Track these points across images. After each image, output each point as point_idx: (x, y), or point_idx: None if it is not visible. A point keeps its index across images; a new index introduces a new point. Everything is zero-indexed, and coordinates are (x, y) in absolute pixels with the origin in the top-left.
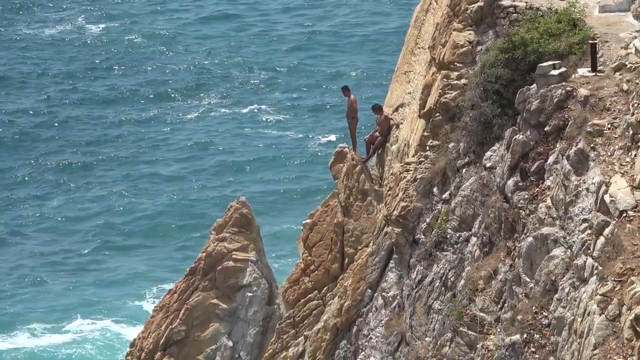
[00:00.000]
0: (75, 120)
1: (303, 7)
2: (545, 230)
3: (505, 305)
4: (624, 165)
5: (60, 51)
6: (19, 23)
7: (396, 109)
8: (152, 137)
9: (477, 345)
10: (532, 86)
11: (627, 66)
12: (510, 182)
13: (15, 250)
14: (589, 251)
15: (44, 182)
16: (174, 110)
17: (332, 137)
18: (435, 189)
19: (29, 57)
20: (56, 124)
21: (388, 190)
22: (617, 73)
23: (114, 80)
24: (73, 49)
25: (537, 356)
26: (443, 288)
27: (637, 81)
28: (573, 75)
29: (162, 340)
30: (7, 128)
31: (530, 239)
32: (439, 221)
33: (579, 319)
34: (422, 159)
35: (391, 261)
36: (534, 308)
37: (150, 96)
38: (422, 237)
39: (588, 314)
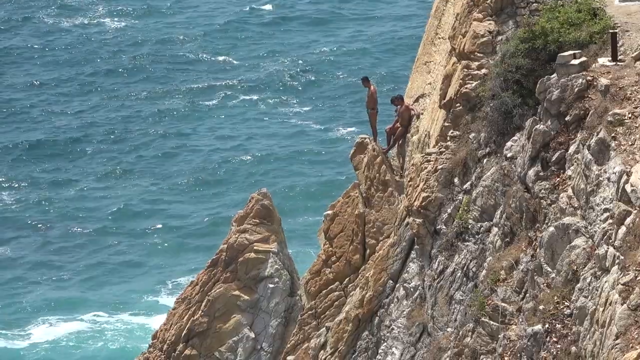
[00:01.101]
0: (93, 111)
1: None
2: (566, 220)
3: (527, 295)
4: None
5: (79, 46)
6: (39, 17)
7: (416, 100)
8: (171, 128)
9: (499, 336)
10: (552, 76)
11: None
12: (531, 172)
13: (30, 243)
14: (611, 240)
15: (59, 174)
16: (194, 102)
17: (353, 128)
18: (456, 180)
19: (50, 51)
20: (74, 118)
21: (409, 181)
22: (638, 62)
23: (133, 72)
24: (92, 44)
25: (559, 346)
26: (464, 278)
27: None
28: (593, 65)
29: (184, 332)
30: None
31: (551, 228)
32: (460, 211)
33: (601, 309)
34: (442, 149)
35: (412, 252)
36: (555, 298)
37: (170, 89)
38: (444, 227)
39: (610, 304)
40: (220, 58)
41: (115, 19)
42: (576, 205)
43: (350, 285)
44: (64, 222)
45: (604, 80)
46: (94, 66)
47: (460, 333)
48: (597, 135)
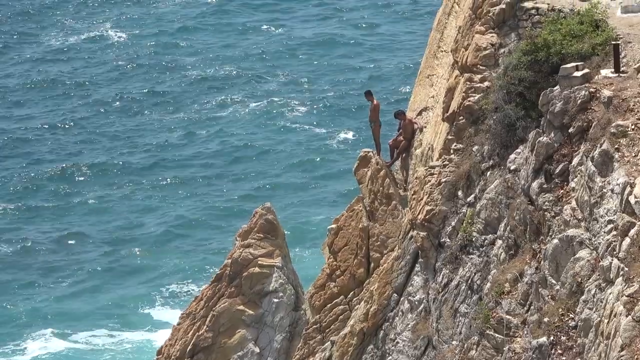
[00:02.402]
0: (99, 124)
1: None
2: (570, 232)
3: (532, 307)
4: None
5: (84, 57)
6: (44, 30)
7: (419, 113)
8: (174, 139)
9: (504, 348)
10: (555, 88)
11: None
12: (535, 185)
13: (25, 255)
14: (615, 252)
15: (67, 186)
16: (199, 111)
17: (350, 136)
18: (460, 192)
19: (57, 63)
20: (76, 128)
21: (413, 194)
22: None
23: (139, 83)
24: (96, 56)
25: (564, 358)
26: (469, 291)
27: None
28: (596, 77)
29: (189, 348)
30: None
31: (555, 241)
32: (464, 224)
33: (606, 321)
34: (446, 162)
35: (417, 265)
36: (560, 310)
37: (175, 98)
38: (448, 240)
39: (614, 315)
40: (221, 66)
41: (117, 32)
42: (580, 217)
43: (354, 299)
44: (59, 235)
45: (606, 92)
46: (96, 81)
47: (465, 346)
48: (600, 147)
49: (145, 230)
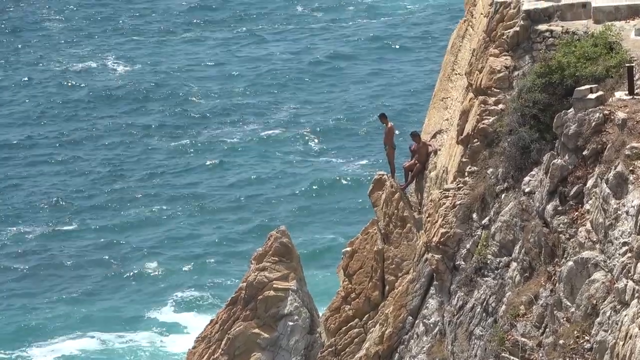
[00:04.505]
0: (111, 148)
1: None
2: (585, 254)
3: (547, 329)
4: None
5: (87, 85)
6: (44, 58)
7: (434, 136)
8: (185, 164)
9: None
10: (569, 110)
11: None
12: (550, 207)
13: (30, 260)
14: (630, 274)
15: (60, 193)
16: (207, 137)
17: (365, 159)
18: (474, 215)
19: (64, 90)
20: (88, 150)
21: (427, 217)
22: None
23: (148, 109)
24: (111, 82)
25: None
26: (484, 314)
27: None
28: (610, 99)
29: None
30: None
31: (570, 263)
32: (479, 247)
33: (621, 343)
34: (461, 185)
35: (432, 288)
36: (575, 332)
37: (182, 125)
38: (463, 263)
39: (630, 337)
40: (229, 93)
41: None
42: (595, 240)
43: (369, 322)
44: (64, 238)
45: (621, 114)
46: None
47: None
48: (614, 169)
49: (159, 243)
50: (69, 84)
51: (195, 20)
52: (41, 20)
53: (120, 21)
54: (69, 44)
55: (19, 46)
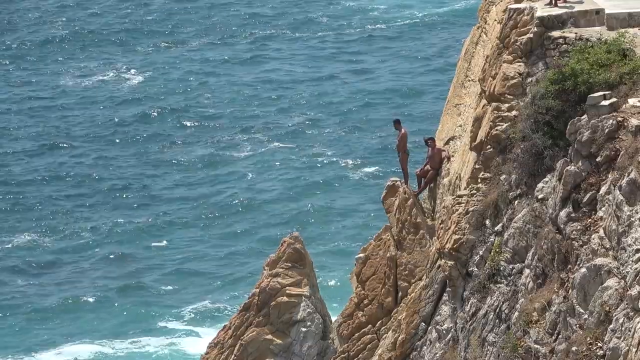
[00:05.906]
0: (123, 159)
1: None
2: (598, 261)
3: (560, 336)
4: None
5: (100, 98)
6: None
7: (447, 142)
8: (197, 175)
9: None
10: (582, 117)
11: None
12: (563, 214)
13: (37, 266)
14: None
15: (69, 202)
16: (220, 148)
17: (377, 165)
18: (487, 222)
19: (74, 102)
20: (98, 164)
21: (440, 224)
22: None
23: (157, 118)
24: (122, 95)
25: None
26: (497, 320)
27: None
28: (624, 106)
29: None
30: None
31: (583, 269)
32: (492, 253)
33: (634, 350)
34: (474, 191)
35: (445, 294)
36: (588, 339)
37: (194, 136)
38: (476, 269)
39: None
40: (241, 104)
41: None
42: (608, 246)
43: (382, 328)
44: (73, 243)
45: (634, 121)
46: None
47: None
48: (628, 175)
49: (173, 252)
50: (81, 95)
51: (202, 29)
52: (49, 29)
53: (133, 32)
54: (81, 54)
55: (32, 58)
